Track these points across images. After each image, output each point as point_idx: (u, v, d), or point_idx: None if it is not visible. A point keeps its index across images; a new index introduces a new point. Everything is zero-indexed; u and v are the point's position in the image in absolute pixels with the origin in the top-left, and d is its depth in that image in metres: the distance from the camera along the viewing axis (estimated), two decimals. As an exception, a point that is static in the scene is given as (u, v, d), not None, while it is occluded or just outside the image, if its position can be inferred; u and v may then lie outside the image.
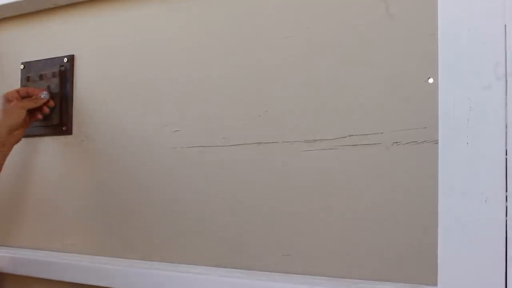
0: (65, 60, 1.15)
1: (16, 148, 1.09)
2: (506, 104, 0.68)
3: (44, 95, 1.12)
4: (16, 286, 1.17)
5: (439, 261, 0.72)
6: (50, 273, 1.06)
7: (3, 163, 1.06)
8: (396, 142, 0.81)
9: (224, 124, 0.96)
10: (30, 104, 1.09)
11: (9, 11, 1.22)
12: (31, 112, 1.10)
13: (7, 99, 1.08)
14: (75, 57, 1.15)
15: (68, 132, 1.14)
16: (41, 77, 1.16)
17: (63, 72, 1.15)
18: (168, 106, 1.03)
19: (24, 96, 1.10)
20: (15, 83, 1.20)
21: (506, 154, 0.68)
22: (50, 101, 1.13)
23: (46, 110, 1.12)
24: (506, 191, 0.68)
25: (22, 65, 1.22)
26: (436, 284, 0.73)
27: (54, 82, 1.15)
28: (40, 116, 1.11)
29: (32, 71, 1.19)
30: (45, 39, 1.20)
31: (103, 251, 1.09)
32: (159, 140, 1.03)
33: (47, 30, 1.20)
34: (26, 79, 1.19)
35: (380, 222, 0.82)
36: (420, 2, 0.80)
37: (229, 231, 0.95)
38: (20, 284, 1.16)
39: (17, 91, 1.09)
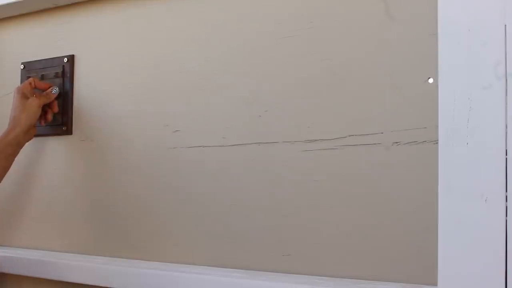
0: (65, 60, 1.15)
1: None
2: (506, 104, 0.68)
3: (54, 90, 1.12)
4: (16, 286, 1.17)
5: (439, 261, 0.72)
6: (50, 273, 1.06)
7: (12, 162, 1.07)
8: (396, 142, 0.81)
9: (224, 124, 0.96)
10: (45, 100, 1.10)
11: (9, 11, 1.22)
12: (43, 109, 1.11)
13: (23, 94, 1.07)
14: (75, 57, 1.15)
15: (68, 132, 1.14)
16: (42, 77, 1.16)
17: (63, 72, 1.15)
18: (168, 106, 1.03)
19: (34, 87, 1.10)
20: (15, 83, 1.20)
21: (506, 154, 0.68)
22: (55, 107, 1.13)
23: (56, 108, 1.13)
24: (506, 191, 0.68)
25: (22, 65, 1.22)
26: (436, 284, 0.73)
27: (57, 82, 1.15)
28: (50, 118, 1.12)
29: (32, 71, 1.19)
30: (45, 39, 1.20)
31: (102, 251, 1.09)
32: (159, 140, 1.03)
33: (47, 30, 1.20)
34: (26, 79, 1.19)
35: (380, 222, 0.82)
36: (420, 2, 0.80)
37: (229, 231, 0.95)
38: (20, 284, 1.16)
39: (30, 83, 1.09)
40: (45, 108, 1.11)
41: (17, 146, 1.06)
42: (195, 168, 0.99)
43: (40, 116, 1.10)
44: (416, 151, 0.80)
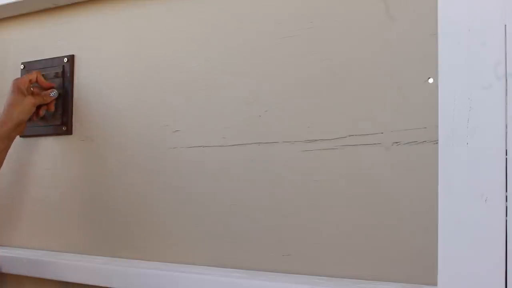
0: (65, 60, 1.15)
1: (16, 147, 1.09)
2: (506, 104, 0.68)
3: (53, 93, 1.12)
4: (16, 286, 1.17)
5: (439, 261, 0.72)
6: (50, 273, 1.06)
7: (4, 157, 1.07)
8: (396, 142, 0.81)
9: (224, 124, 0.96)
10: (41, 101, 1.10)
11: (9, 11, 1.22)
12: (37, 107, 1.10)
13: (20, 89, 1.06)
14: (75, 57, 1.15)
15: (68, 132, 1.14)
16: (43, 77, 1.16)
17: (63, 72, 1.15)
18: (168, 106, 1.03)
19: (34, 82, 1.10)
20: (15, 83, 1.20)
21: (506, 154, 0.68)
22: (51, 106, 1.13)
23: (52, 108, 1.12)
24: (506, 191, 0.68)
25: (22, 65, 1.22)
26: (436, 284, 0.73)
27: (57, 82, 1.15)
28: (41, 113, 1.11)
29: (32, 71, 1.19)
30: (45, 39, 1.20)
31: (102, 251, 1.09)
32: (159, 140, 1.03)
33: (47, 30, 1.20)
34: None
35: (380, 222, 0.82)
36: (420, 2, 0.80)
37: (229, 231, 0.95)
38: (19, 284, 1.16)
39: (30, 80, 1.08)
40: (40, 105, 1.11)
41: (8, 140, 1.06)
42: (195, 168, 0.99)
43: (33, 112, 1.10)
44: (416, 151, 0.80)
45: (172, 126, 1.02)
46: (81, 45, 1.15)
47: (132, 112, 1.07)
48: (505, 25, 0.69)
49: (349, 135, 0.85)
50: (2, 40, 1.27)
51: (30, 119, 1.10)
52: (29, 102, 1.06)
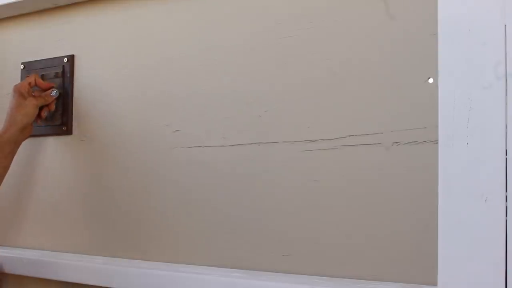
0: (65, 60, 1.15)
1: (16, 148, 1.09)
2: (506, 104, 0.68)
3: (54, 93, 1.12)
4: (16, 286, 1.17)
5: (439, 261, 0.72)
6: (50, 273, 1.06)
7: (11, 161, 1.07)
8: (396, 142, 0.81)
9: (224, 124, 0.96)
10: (43, 102, 1.10)
11: (9, 11, 1.22)
12: (39, 109, 1.10)
13: (20, 93, 1.07)
14: (75, 57, 1.15)
15: (68, 132, 1.14)
16: (42, 77, 1.16)
17: (63, 72, 1.15)
18: (168, 106, 1.03)
19: (34, 85, 1.10)
20: (15, 83, 1.20)
21: (506, 154, 0.68)
22: (52, 106, 1.13)
23: (53, 107, 1.12)
24: (506, 191, 0.68)
25: (22, 65, 1.22)
26: (436, 284, 0.73)
27: (57, 82, 1.15)
28: (43, 115, 1.11)
29: (32, 71, 1.19)
30: (45, 39, 1.20)
31: (102, 251, 1.09)
32: (159, 140, 1.03)
33: (47, 30, 1.20)
34: (27, 78, 1.19)
35: (380, 222, 0.82)
36: (420, 2, 0.80)
37: (229, 231, 0.95)
38: (20, 284, 1.16)
39: (29, 83, 1.09)
40: (41, 107, 1.11)
41: (15, 144, 1.06)
42: (195, 168, 0.99)
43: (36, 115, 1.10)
44: (416, 151, 0.80)
45: (172, 126, 1.02)
46: (81, 45, 1.15)
47: (132, 112, 1.07)
48: (505, 25, 0.69)
49: (349, 135, 0.85)
50: (2, 40, 1.27)
51: (38, 118, 1.10)
52: (32, 104, 1.07)
